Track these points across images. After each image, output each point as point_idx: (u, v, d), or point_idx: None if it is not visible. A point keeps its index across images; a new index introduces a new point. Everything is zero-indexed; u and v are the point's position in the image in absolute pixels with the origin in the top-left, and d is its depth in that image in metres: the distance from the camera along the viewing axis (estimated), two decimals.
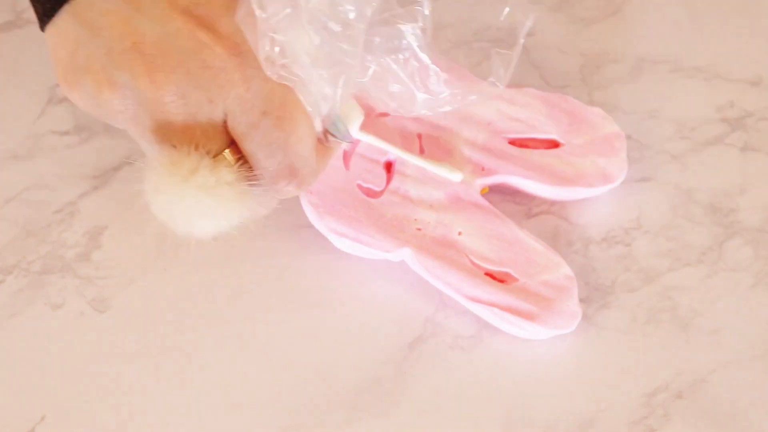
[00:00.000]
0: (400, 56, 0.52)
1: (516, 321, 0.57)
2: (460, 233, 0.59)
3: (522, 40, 0.53)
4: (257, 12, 0.49)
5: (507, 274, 0.58)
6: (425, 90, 0.53)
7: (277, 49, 0.49)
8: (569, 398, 0.56)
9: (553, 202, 0.62)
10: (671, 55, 0.67)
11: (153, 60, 0.50)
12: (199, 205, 0.50)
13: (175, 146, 0.51)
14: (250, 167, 0.51)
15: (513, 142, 0.62)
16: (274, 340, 0.58)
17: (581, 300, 0.58)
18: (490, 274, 0.58)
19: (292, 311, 0.59)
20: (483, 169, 0.61)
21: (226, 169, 0.51)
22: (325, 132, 0.53)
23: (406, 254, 0.59)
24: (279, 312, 0.59)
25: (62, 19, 0.51)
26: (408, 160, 0.60)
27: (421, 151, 0.61)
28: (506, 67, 0.54)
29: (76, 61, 0.51)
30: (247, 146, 0.51)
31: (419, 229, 0.59)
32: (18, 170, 0.64)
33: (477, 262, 0.58)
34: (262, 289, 0.59)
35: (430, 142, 0.61)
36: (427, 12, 0.52)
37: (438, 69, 0.53)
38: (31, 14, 0.69)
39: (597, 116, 0.62)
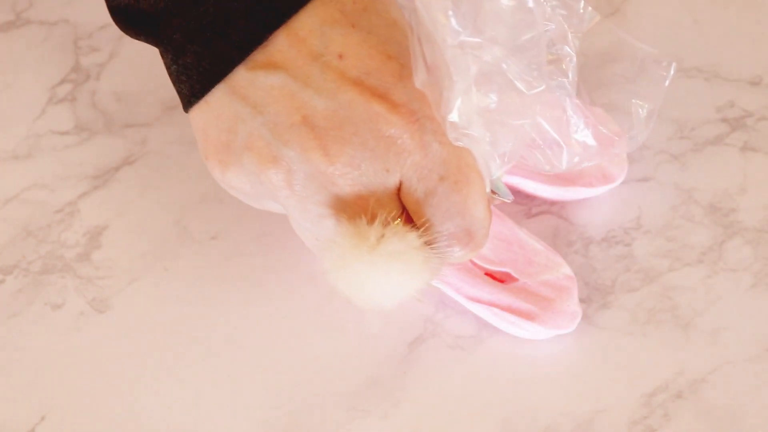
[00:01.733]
0: (553, 113, 0.52)
1: (516, 321, 0.57)
2: None
3: (663, 94, 0.54)
4: (454, 76, 0.48)
5: (507, 274, 0.58)
6: (573, 145, 0.53)
7: (459, 112, 0.49)
8: (569, 398, 0.56)
9: (553, 202, 0.62)
10: (671, 55, 0.67)
11: (325, 133, 0.49)
12: (391, 272, 0.50)
13: (348, 218, 0.50)
14: (422, 233, 0.51)
15: None
16: (275, 340, 0.58)
17: (581, 300, 0.58)
18: (490, 274, 0.58)
19: (292, 311, 0.59)
20: None
21: (412, 234, 0.50)
22: (491, 192, 0.53)
23: None
24: (279, 312, 0.59)
25: (216, 97, 0.50)
26: None
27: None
28: (648, 118, 0.54)
29: (234, 139, 0.50)
30: (425, 212, 0.50)
31: None
32: (18, 170, 0.64)
33: (477, 262, 0.58)
34: (262, 290, 0.59)
35: None
36: (574, 65, 0.51)
37: (584, 123, 0.53)
38: (31, 14, 0.69)
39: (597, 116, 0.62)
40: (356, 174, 0.50)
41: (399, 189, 0.51)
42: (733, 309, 0.58)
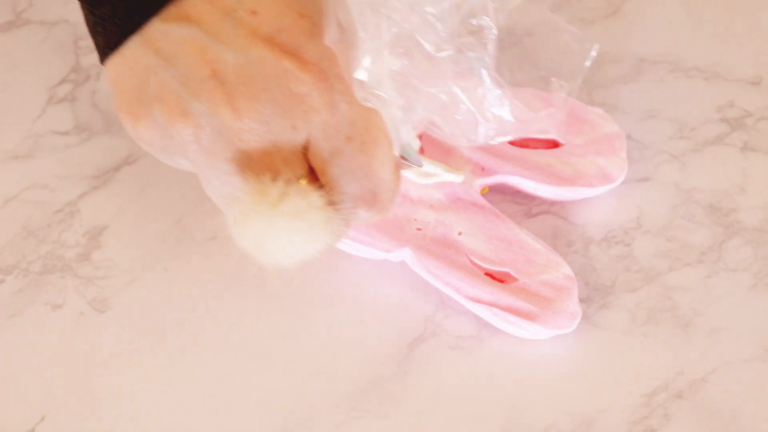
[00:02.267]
0: (469, 84, 0.52)
1: (516, 321, 0.57)
2: (460, 233, 0.59)
3: (582, 73, 0.53)
4: (361, 34, 0.48)
5: (507, 274, 0.58)
6: (490, 118, 0.53)
7: (368, 71, 0.49)
8: (569, 398, 0.56)
9: (553, 202, 0.62)
10: (671, 55, 0.67)
11: (234, 88, 0.49)
12: (291, 231, 0.49)
13: (254, 175, 0.50)
14: (327, 193, 0.50)
15: (513, 142, 0.62)
16: (275, 340, 0.58)
17: (581, 300, 0.58)
18: (490, 274, 0.58)
19: (292, 311, 0.59)
20: (483, 169, 0.61)
21: (315, 193, 0.50)
22: (400, 157, 0.53)
23: (406, 254, 0.59)
24: (279, 312, 0.59)
25: (130, 48, 0.50)
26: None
27: (421, 151, 0.61)
28: (567, 97, 0.54)
29: (146, 91, 0.50)
30: (330, 172, 0.50)
31: (419, 229, 0.59)
32: (18, 170, 0.64)
33: (477, 262, 0.58)
34: (262, 290, 0.59)
35: (430, 141, 0.61)
36: (494, 38, 0.51)
37: (503, 95, 0.52)
38: (31, 14, 0.69)
39: (597, 116, 0.62)
40: (264, 130, 0.50)
41: (307, 148, 0.51)
42: (733, 309, 0.58)
